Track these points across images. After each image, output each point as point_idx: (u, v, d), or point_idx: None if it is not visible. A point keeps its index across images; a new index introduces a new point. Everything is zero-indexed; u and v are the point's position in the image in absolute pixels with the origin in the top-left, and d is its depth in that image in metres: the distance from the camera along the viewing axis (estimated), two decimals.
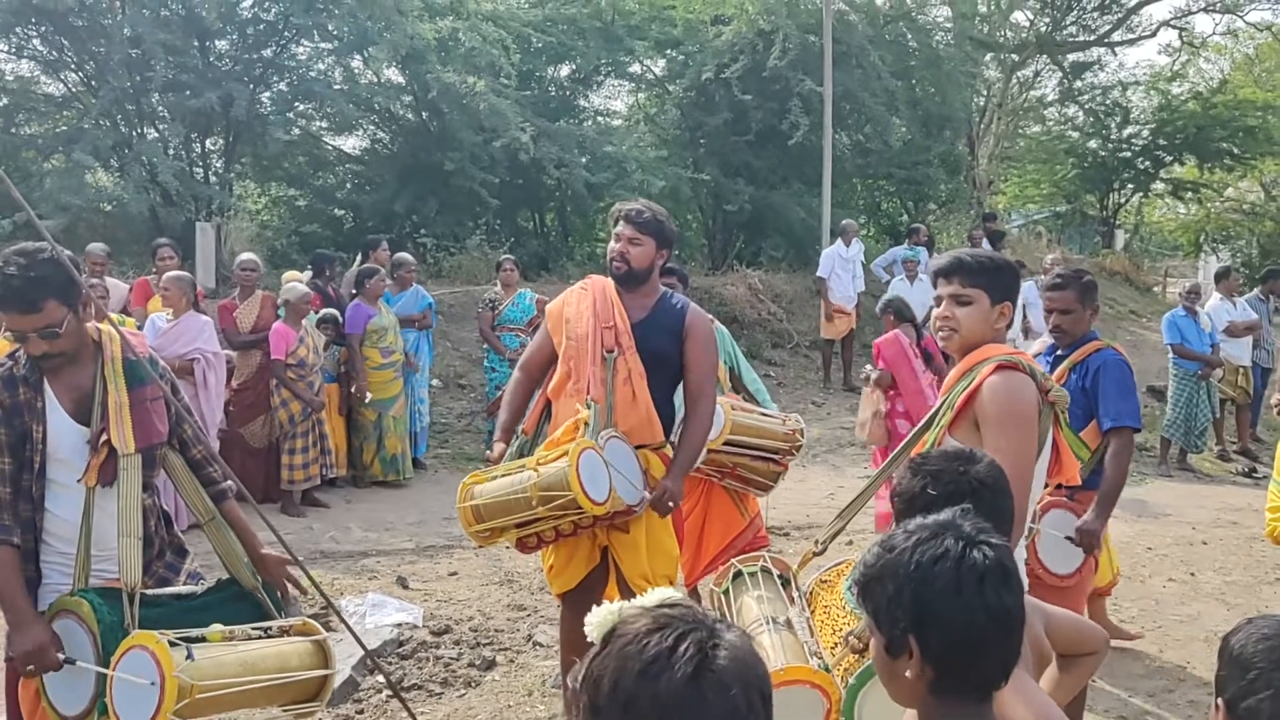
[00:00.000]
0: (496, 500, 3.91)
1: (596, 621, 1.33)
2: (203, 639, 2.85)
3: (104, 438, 2.92)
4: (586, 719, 1.27)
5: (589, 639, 1.34)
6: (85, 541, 2.92)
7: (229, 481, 3.24)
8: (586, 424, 4.02)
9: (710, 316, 6.12)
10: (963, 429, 2.86)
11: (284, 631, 3.07)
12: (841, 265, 12.84)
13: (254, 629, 3.01)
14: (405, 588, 6.37)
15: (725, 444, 5.06)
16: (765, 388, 6.30)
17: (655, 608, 1.32)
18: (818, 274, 13.11)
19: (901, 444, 3.02)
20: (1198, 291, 10.32)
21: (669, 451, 4.32)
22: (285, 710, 3.03)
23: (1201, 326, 9.93)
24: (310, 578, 2.85)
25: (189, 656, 2.72)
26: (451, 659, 5.24)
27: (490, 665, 5.20)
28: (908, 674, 1.64)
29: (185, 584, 3.15)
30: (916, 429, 3.00)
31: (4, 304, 2.83)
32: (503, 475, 3.99)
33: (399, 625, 5.56)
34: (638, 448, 4.16)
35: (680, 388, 4.38)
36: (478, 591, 6.35)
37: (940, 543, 1.64)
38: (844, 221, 13.91)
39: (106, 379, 2.99)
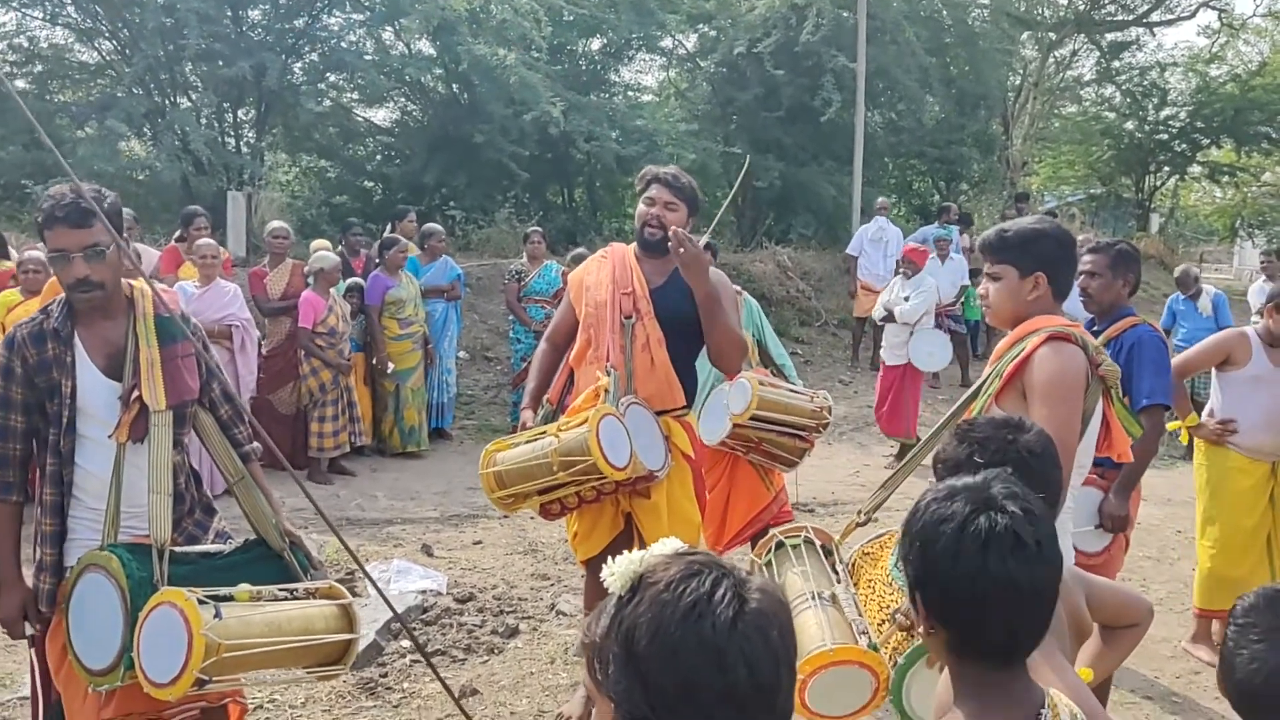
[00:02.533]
0: (518, 466, 3.91)
1: (618, 572, 1.31)
2: (230, 598, 2.86)
3: (135, 394, 2.93)
4: (620, 670, 1.25)
5: (610, 590, 1.33)
6: (115, 497, 2.94)
7: (254, 444, 3.25)
8: (606, 390, 4.01)
9: (738, 288, 6.09)
10: (1010, 399, 2.82)
11: (310, 594, 3.08)
12: (872, 243, 12.72)
13: (280, 590, 3.02)
14: (430, 555, 6.40)
15: (752, 419, 5.04)
16: (792, 363, 6.26)
17: (680, 555, 1.30)
18: (847, 251, 13.03)
19: (949, 413, 2.98)
20: (1193, 277, 10.11)
21: (691, 419, 4.31)
22: (309, 672, 3.04)
23: (1200, 310, 9.76)
24: (343, 542, 2.85)
25: (217, 615, 2.73)
26: (475, 626, 5.27)
27: (513, 633, 5.22)
28: (927, 630, 1.66)
29: (213, 543, 3.16)
30: (964, 398, 2.96)
31: (57, 220, 2.88)
32: (525, 442, 3.99)
33: (423, 592, 5.59)
34: (659, 414, 4.15)
35: (703, 352, 4.34)
36: (501, 560, 6.37)
37: (950, 505, 1.63)
38: (878, 200, 13.82)
39: (139, 335, 3.00)
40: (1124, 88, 23.23)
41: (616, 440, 3.80)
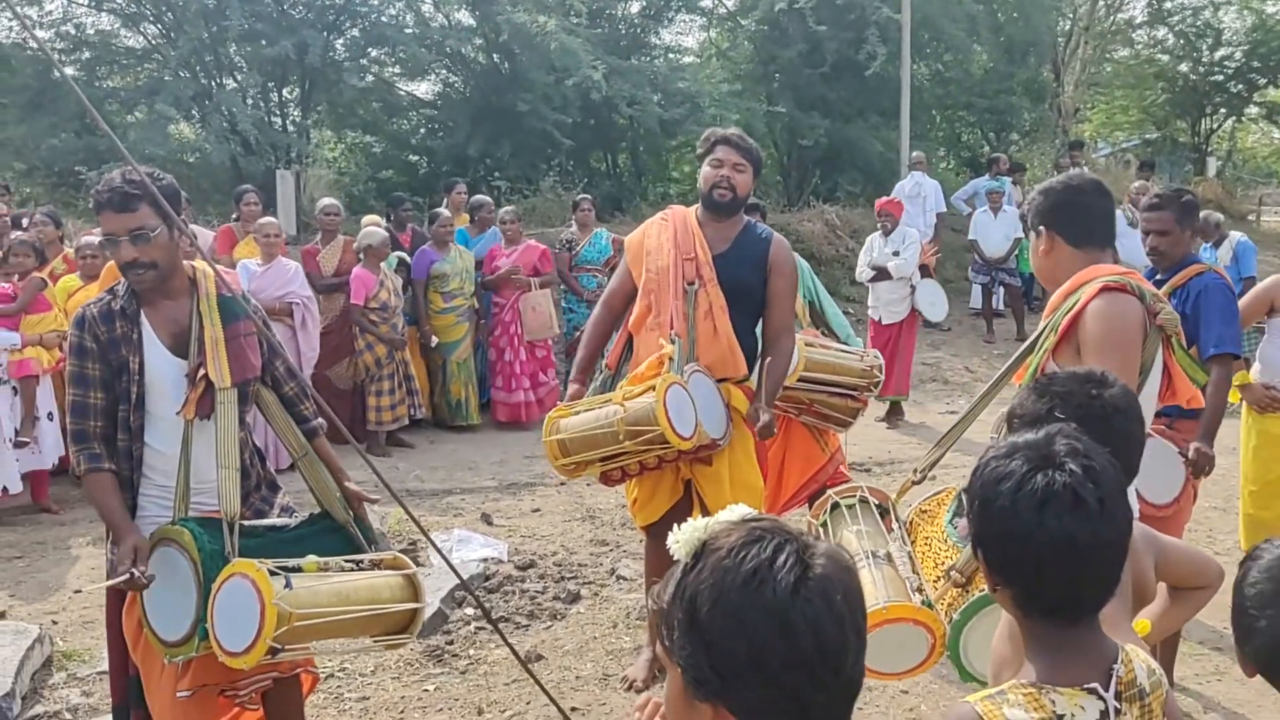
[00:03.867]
0: (583, 434, 3.92)
1: (683, 539, 1.31)
2: (299, 569, 2.91)
3: (201, 371, 2.98)
4: (684, 635, 1.25)
5: (675, 556, 1.33)
6: (185, 473, 3.00)
7: (319, 419, 3.29)
8: (671, 359, 4.00)
9: (795, 254, 6.03)
10: (1066, 353, 2.76)
11: (374, 565, 3.13)
12: (909, 199, 12.49)
13: (346, 561, 3.07)
14: (490, 524, 6.47)
15: (800, 380, 5.00)
16: (848, 324, 6.20)
17: (742, 521, 1.30)
18: None
19: (1003, 369, 2.94)
20: (1213, 224, 9.77)
21: (751, 385, 4.29)
22: (377, 640, 3.10)
23: (1219, 259, 9.45)
24: (409, 512, 2.89)
25: (287, 585, 2.79)
26: (537, 592, 5.32)
27: (575, 598, 5.26)
28: (992, 586, 1.66)
29: (279, 517, 3.22)
30: (1019, 352, 2.91)
31: (104, 205, 2.95)
32: (587, 410, 3.99)
33: (485, 560, 5.66)
34: (719, 381, 4.14)
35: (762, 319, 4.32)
36: (560, 527, 6.42)
37: (1009, 463, 1.61)
38: (913, 154, 13.56)
39: (202, 314, 3.06)
40: (1177, 29, 22.55)
41: (683, 409, 3.81)
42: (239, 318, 3.12)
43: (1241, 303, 4.61)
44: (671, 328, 4.09)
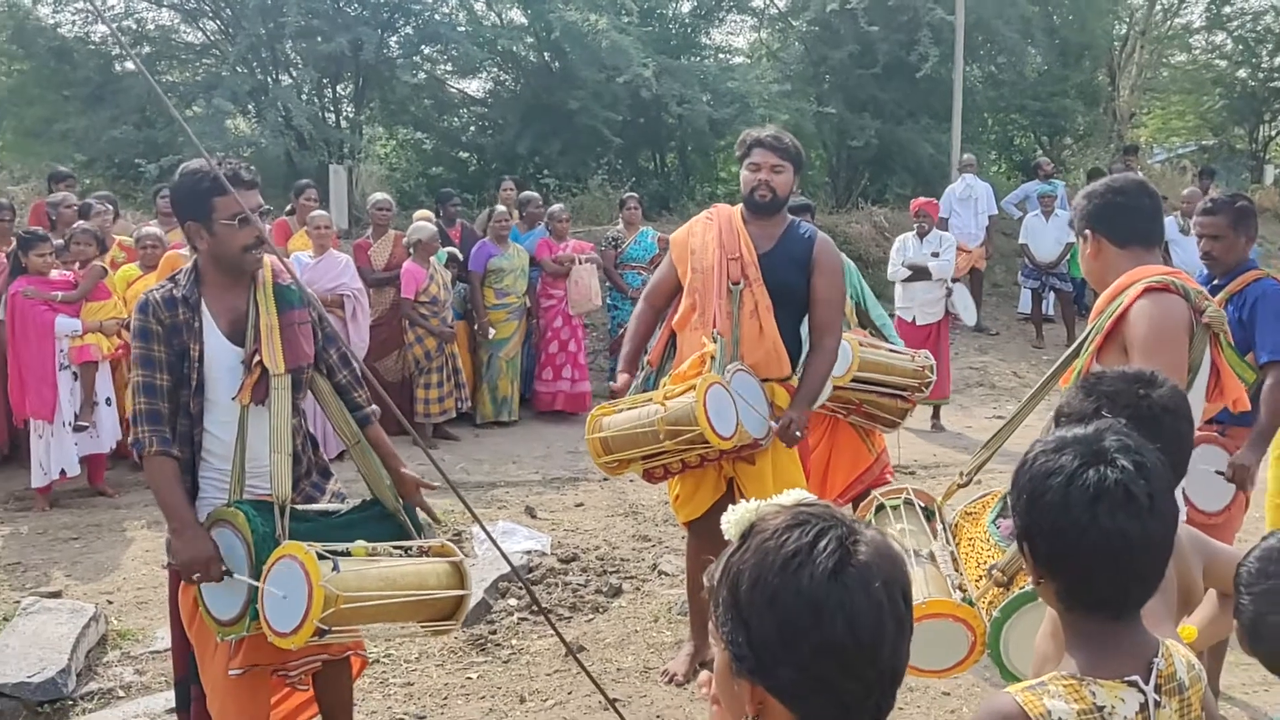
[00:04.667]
0: (624, 433, 3.95)
1: (735, 519, 1.33)
2: (347, 553, 2.97)
3: (257, 358, 3.05)
4: (727, 613, 1.27)
5: (726, 537, 1.35)
6: (240, 457, 3.07)
7: (373, 407, 3.35)
8: (713, 358, 4.01)
9: (840, 254, 6.03)
10: (1111, 354, 2.74)
11: (423, 552, 3.18)
12: (960, 202, 12.38)
13: (394, 548, 3.13)
14: (533, 517, 6.53)
15: (853, 381, 4.99)
16: (892, 325, 6.19)
17: (793, 506, 1.32)
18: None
19: (1049, 373, 2.93)
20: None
21: (795, 384, 4.29)
22: (423, 626, 3.14)
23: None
24: (464, 501, 2.94)
25: (335, 568, 2.84)
26: (579, 585, 5.37)
27: (617, 592, 5.30)
28: (1036, 580, 1.66)
29: (330, 502, 3.28)
30: (1065, 355, 2.90)
31: (242, 183, 3.06)
32: (630, 408, 4.02)
33: (528, 552, 5.71)
34: (764, 381, 4.14)
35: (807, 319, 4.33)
36: (603, 522, 6.46)
37: (1059, 458, 1.61)
38: (964, 156, 13.43)
39: (259, 302, 3.13)
40: (1236, 34, 22.12)
41: (723, 409, 3.82)
42: (294, 306, 3.19)
43: None
44: (714, 326, 4.10)
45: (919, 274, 8.80)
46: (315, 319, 3.26)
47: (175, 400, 3.06)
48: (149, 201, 9.05)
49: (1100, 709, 1.55)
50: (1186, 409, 2.10)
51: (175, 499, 3.01)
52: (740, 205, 4.34)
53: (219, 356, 3.08)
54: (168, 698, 4.21)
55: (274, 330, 3.10)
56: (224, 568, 2.95)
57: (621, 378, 4.29)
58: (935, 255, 8.82)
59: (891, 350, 5.37)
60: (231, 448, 3.08)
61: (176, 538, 2.98)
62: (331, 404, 3.26)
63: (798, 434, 4.12)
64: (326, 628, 2.82)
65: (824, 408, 5.21)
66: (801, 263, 4.23)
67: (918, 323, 8.72)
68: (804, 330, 4.38)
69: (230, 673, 3.05)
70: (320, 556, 2.84)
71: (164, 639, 4.75)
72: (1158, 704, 1.58)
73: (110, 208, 8.28)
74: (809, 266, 4.23)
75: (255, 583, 2.87)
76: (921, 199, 9.51)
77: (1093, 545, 1.56)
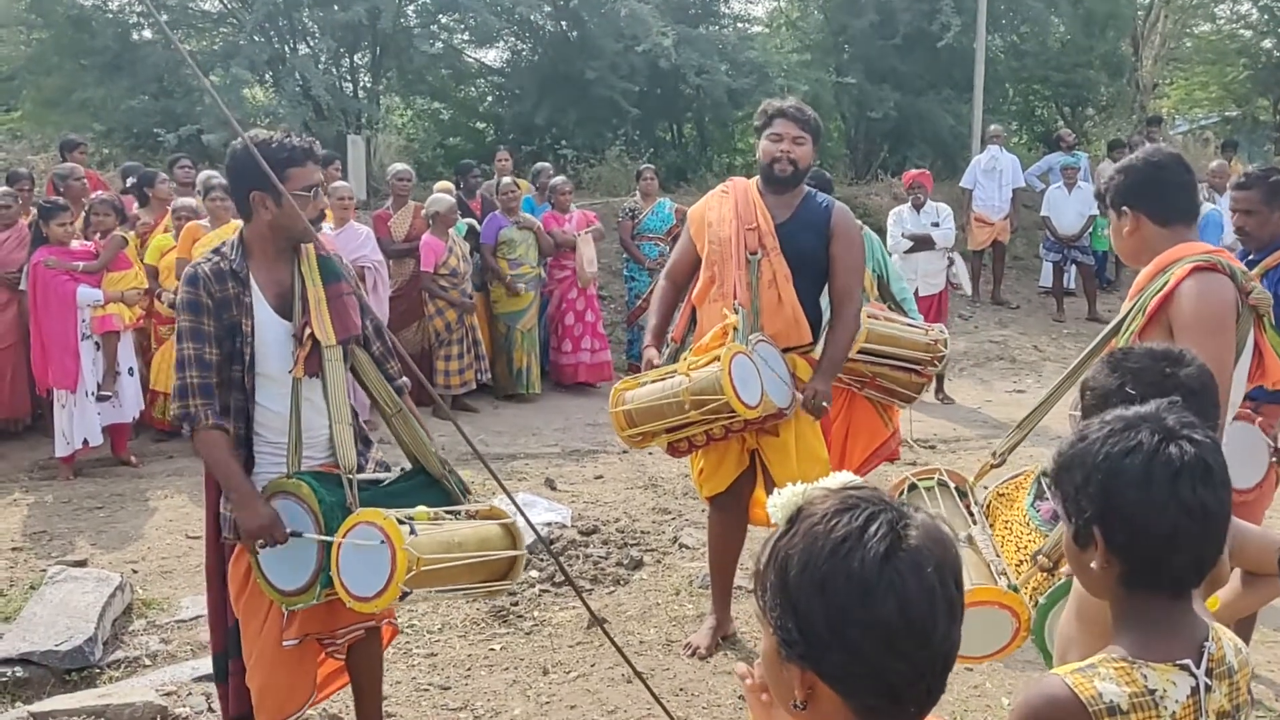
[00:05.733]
0: (649, 405, 3.94)
1: (781, 503, 1.32)
2: (411, 519, 3.00)
3: (308, 330, 3.06)
4: (775, 598, 1.26)
5: (772, 521, 1.34)
6: (296, 430, 3.09)
7: (405, 379, 3.36)
8: (735, 329, 3.99)
9: (859, 223, 5.98)
10: (1155, 334, 2.70)
11: (470, 516, 3.19)
12: (985, 174, 12.26)
13: (446, 512, 3.15)
14: (553, 489, 6.54)
15: (862, 353, 4.95)
16: (913, 299, 6.15)
17: (841, 489, 1.30)
18: (961, 184, 12.56)
19: (1087, 349, 2.90)
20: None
21: (816, 354, 4.28)
22: (483, 585, 3.18)
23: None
24: (491, 470, 2.95)
25: (412, 532, 2.89)
26: (600, 558, 5.38)
27: (638, 565, 5.31)
28: (1094, 565, 1.62)
29: (375, 471, 3.29)
30: (1104, 333, 2.86)
31: (310, 157, 3.10)
32: (653, 381, 4.01)
33: (549, 524, 5.72)
34: (784, 350, 4.13)
35: (826, 289, 4.31)
36: (623, 495, 6.47)
37: (1134, 435, 1.58)
38: (991, 127, 13.29)
39: (304, 275, 3.13)
40: (1261, 3, 21.79)
41: (748, 378, 3.80)
42: (339, 278, 3.21)
43: None
44: (735, 298, 4.08)
45: (920, 244, 8.76)
46: (357, 290, 3.28)
47: (225, 374, 3.07)
48: (166, 171, 9.03)
49: (1152, 692, 1.54)
50: (1213, 390, 2.08)
51: (232, 471, 3.03)
52: (756, 177, 4.31)
53: (269, 330, 3.09)
54: (194, 666, 4.25)
55: (321, 302, 3.11)
56: (289, 530, 2.97)
57: (649, 353, 4.26)
58: (935, 225, 8.78)
59: (906, 324, 5.33)
60: (286, 420, 3.09)
61: (239, 509, 2.99)
62: (370, 374, 3.26)
63: (824, 404, 4.11)
64: (409, 590, 2.87)
65: (839, 381, 5.17)
66: (820, 230, 4.22)
67: (920, 294, 8.60)
68: (823, 300, 4.36)
69: (285, 643, 3.10)
70: (399, 521, 2.89)
71: (189, 608, 4.80)
72: (1208, 688, 1.56)
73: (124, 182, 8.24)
74: (828, 234, 4.22)
75: (334, 540, 2.89)
76: (914, 171, 9.49)
77: (1174, 521, 1.54)
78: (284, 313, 3.10)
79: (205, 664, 4.24)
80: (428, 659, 4.35)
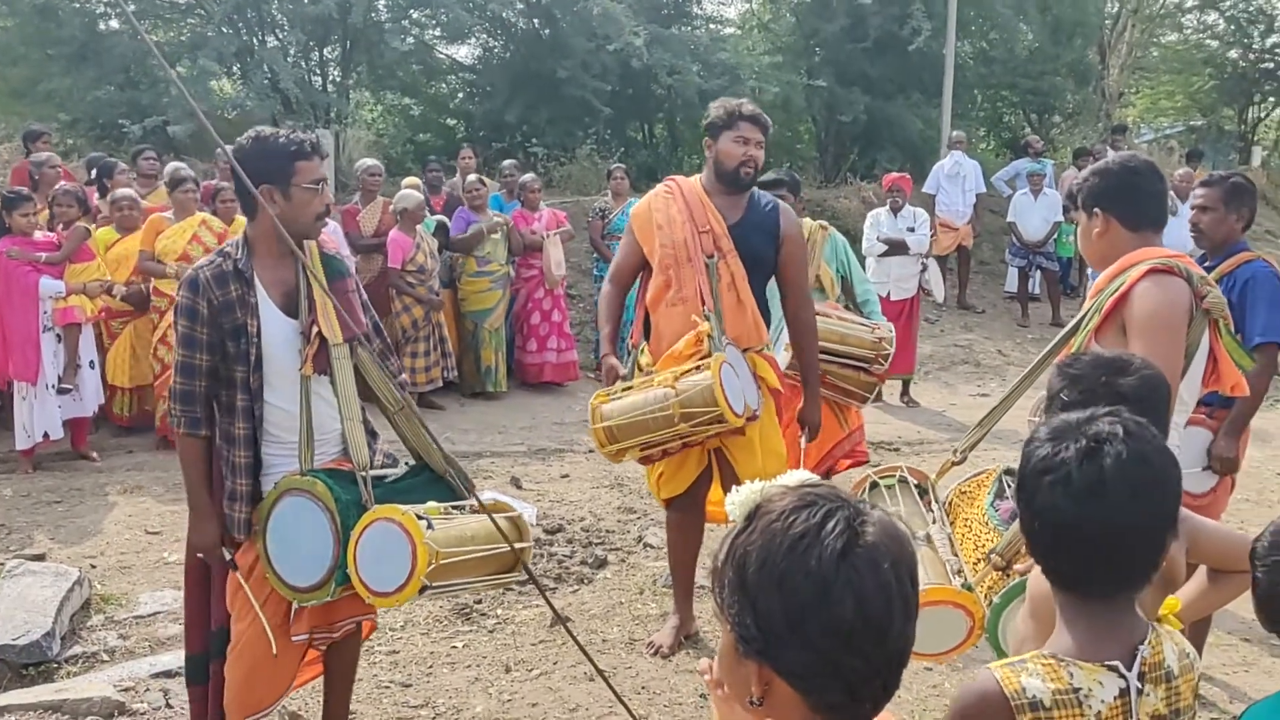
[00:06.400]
0: (634, 420, 3.87)
1: (739, 501, 1.33)
2: (427, 514, 3.01)
3: (315, 328, 3.05)
4: (733, 594, 1.27)
5: (730, 519, 1.34)
6: (307, 428, 3.08)
7: (404, 375, 3.36)
8: (710, 335, 3.99)
9: (824, 223, 6.01)
10: (1110, 334, 2.76)
11: (474, 510, 3.20)
12: (949, 179, 12.36)
13: (453, 507, 3.16)
14: (519, 488, 6.53)
15: None
16: (877, 301, 6.17)
17: (799, 487, 1.31)
18: (924, 189, 12.63)
19: (1046, 349, 2.94)
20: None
21: (770, 353, 4.32)
22: (492, 578, 3.20)
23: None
24: (457, 467, 2.95)
25: (430, 527, 2.91)
26: (565, 556, 5.38)
27: (602, 564, 5.31)
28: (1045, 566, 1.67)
29: (381, 464, 3.28)
30: (1063, 333, 2.91)
31: (317, 153, 3.09)
32: (633, 393, 3.94)
33: None
34: (744, 350, 4.14)
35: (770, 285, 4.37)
36: (588, 494, 6.47)
37: (1055, 448, 1.63)
38: (953, 133, 13.41)
39: (309, 272, 3.11)
40: (1228, 14, 22.11)
41: (733, 386, 3.85)
42: (344, 275, 3.22)
43: None
44: (704, 303, 4.08)
45: (895, 249, 8.82)
46: (359, 288, 3.29)
47: (214, 378, 3.07)
48: (129, 162, 8.92)
49: (1076, 690, 1.56)
50: (1155, 399, 2.10)
51: (195, 481, 3.09)
52: (699, 177, 4.30)
53: (275, 329, 3.08)
54: (151, 662, 4.21)
55: (327, 300, 3.10)
56: (224, 555, 3.04)
57: (610, 361, 4.22)
58: (911, 230, 8.85)
59: (855, 322, 5.33)
60: (296, 418, 3.09)
61: (192, 518, 3.06)
62: (373, 371, 3.24)
63: (819, 424, 4.45)
64: (429, 583, 2.88)
65: (789, 376, 5.12)
66: (771, 232, 4.24)
67: (892, 297, 8.68)
68: (772, 296, 4.42)
69: (295, 639, 3.12)
70: (418, 516, 2.91)
71: (148, 604, 4.76)
72: (1140, 691, 1.58)
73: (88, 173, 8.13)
74: (779, 237, 4.25)
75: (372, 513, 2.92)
76: (894, 174, 9.55)
77: (1087, 536, 1.57)
78: (290, 311, 3.10)
79: (163, 660, 4.22)
80: (389, 656, 4.33)
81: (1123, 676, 1.58)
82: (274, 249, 3.10)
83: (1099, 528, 1.57)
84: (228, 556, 3.03)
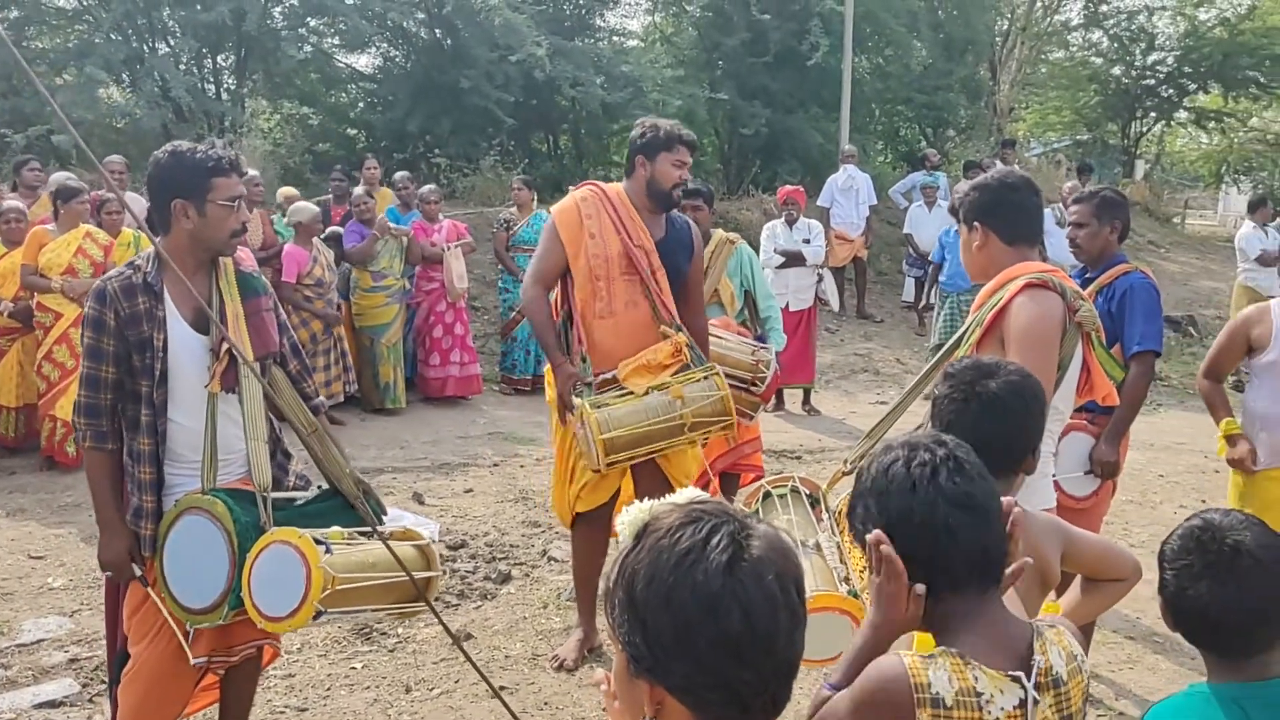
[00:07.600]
0: (640, 431, 3.96)
1: (629, 520, 1.34)
2: (327, 539, 2.95)
3: (225, 345, 2.96)
4: (624, 614, 1.28)
5: (621, 538, 1.35)
6: (211, 446, 3.00)
7: (321, 398, 3.32)
8: (689, 346, 4.19)
9: (733, 235, 6.05)
10: (990, 346, 2.86)
11: (384, 537, 3.14)
12: (842, 193, 12.62)
13: (360, 533, 3.11)
14: (421, 503, 6.44)
15: None
16: (779, 316, 6.23)
17: (686, 504, 1.32)
18: (818, 203, 12.84)
19: (934, 359, 3.03)
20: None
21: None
22: (395, 606, 3.16)
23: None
24: (372, 494, 2.91)
25: (327, 551, 2.86)
26: (468, 572, 5.32)
27: (506, 579, 5.27)
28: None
29: (294, 485, 3.23)
30: (949, 344, 3.00)
31: (234, 169, 3.00)
32: (623, 403, 4.00)
33: None
34: None
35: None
36: (493, 508, 6.42)
37: (890, 453, 1.75)
38: (845, 147, 13.71)
39: (222, 289, 3.04)
40: (1111, 32, 23.06)
41: None
42: (258, 294, 3.14)
43: (1214, 345, 4.17)
44: (665, 317, 4.18)
45: (792, 260, 8.96)
46: (276, 307, 3.21)
47: (119, 391, 2.99)
48: (9, 173, 8.59)
49: (979, 695, 1.60)
50: (1024, 402, 2.20)
51: (103, 496, 3.01)
52: (620, 186, 4.34)
53: (184, 344, 2.99)
54: (34, 693, 4.06)
55: (240, 318, 3.03)
56: (134, 571, 2.97)
57: (568, 370, 4.18)
58: (806, 242, 9.01)
59: (737, 342, 5.38)
60: (200, 436, 3.00)
61: (101, 535, 2.98)
62: (286, 393, 3.17)
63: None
64: (323, 609, 2.83)
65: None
66: (688, 248, 4.38)
67: (791, 308, 8.76)
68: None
69: (194, 661, 3.03)
70: (317, 541, 2.85)
71: (30, 631, 4.58)
72: (1036, 702, 1.63)
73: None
74: (692, 251, 4.39)
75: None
76: (789, 188, 9.72)
77: (948, 512, 1.67)
78: (200, 327, 3.01)
79: (47, 689, 4.07)
80: (284, 680, 4.23)
81: (1023, 688, 1.62)
82: (187, 263, 3.01)
83: (954, 505, 1.67)
84: (138, 572, 2.95)
